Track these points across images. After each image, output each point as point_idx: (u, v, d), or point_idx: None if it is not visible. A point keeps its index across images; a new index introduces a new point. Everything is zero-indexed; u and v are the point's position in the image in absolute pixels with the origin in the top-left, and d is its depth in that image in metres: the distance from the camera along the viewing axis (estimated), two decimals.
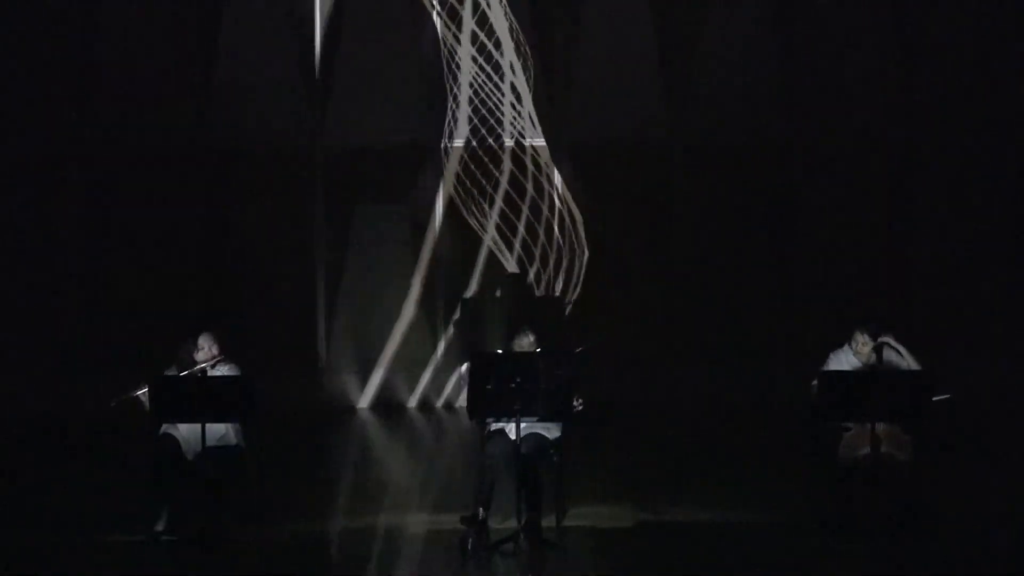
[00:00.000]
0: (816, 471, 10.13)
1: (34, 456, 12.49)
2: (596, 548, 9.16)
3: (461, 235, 14.88)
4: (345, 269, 14.90)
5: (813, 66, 14.75)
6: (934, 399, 9.10)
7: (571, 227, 14.70)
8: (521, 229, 14.86)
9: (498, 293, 14.77)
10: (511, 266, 14.84)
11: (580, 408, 9.24)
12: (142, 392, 9.30)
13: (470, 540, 9.13)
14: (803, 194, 14.78)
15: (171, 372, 9.50)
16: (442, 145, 14.87)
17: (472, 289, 14.85)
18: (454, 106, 14.84)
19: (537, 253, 14.82)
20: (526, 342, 9.56)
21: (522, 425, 9.27)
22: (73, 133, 14.61)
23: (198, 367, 9.45)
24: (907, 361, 9.53)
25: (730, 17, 14.72)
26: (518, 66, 14.79)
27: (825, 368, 9.56)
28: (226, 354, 9.59)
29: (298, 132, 14.78)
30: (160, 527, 9.27)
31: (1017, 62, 14.65)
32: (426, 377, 14.90)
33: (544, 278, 14.82)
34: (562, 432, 9.56)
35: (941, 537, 9.14)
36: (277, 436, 12.19)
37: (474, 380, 9.11)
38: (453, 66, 14.82)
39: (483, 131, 14.86)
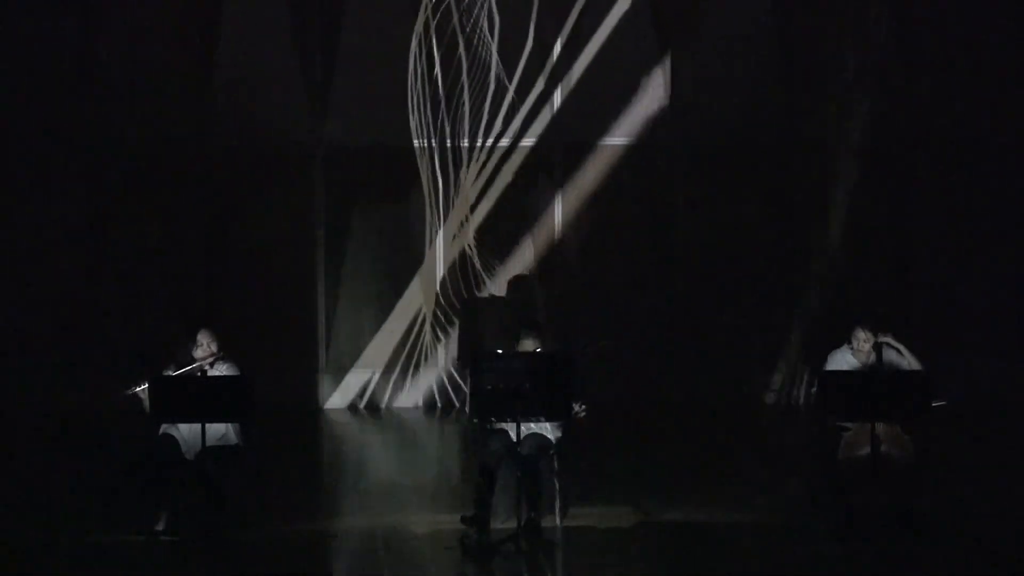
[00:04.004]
0: (816, 471, 10.12)
1: (34, 455, 12.49)
2: (596, 548, 9.16)
3: (461, 234, 14.88)
4: (345, 268, 14.89)
5: (813, 66, 14.74)
6: (934, 404, 9.09)
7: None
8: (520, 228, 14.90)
9: (491, 293, 14.79)
10: (514, 268, 14.84)
11: (583, 414, 9.24)
12: (141, 389, 9.30)
13: (470, 540, 9.14)
14: (803, 194, 14.77)
15: (170, 370, 9.49)
16: (439, 144, 14.87)
17: (474, 289, 14.85)
18: (455, 105, 14.85)
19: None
20: (529, 344, 9.57)
21: (522, 425, 9.28)
22: (73, 131, 14.60)
23: (196, 364, 9.45)
24: (907, 361, 9.53)
25: (730, 17, 14.71)
26: (516, 65, 14.80)
27: (824, 369, 9.57)
28: (225, 352, 9.59)
29: (298, 131, 14.78)
30: (160, 527, 9.27)
31: (1019, 60, 14.64)
32: (426, 377, 14.90)
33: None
34: (562, 433, 9.57)
35: (941, 537, 9.15)
36: (277, 436, 12.19)
37: (475, 380, 9.12)
38: (450, 64, 14.83)
39: (481, 130, 14.87)
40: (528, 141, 14.87)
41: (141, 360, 12.00)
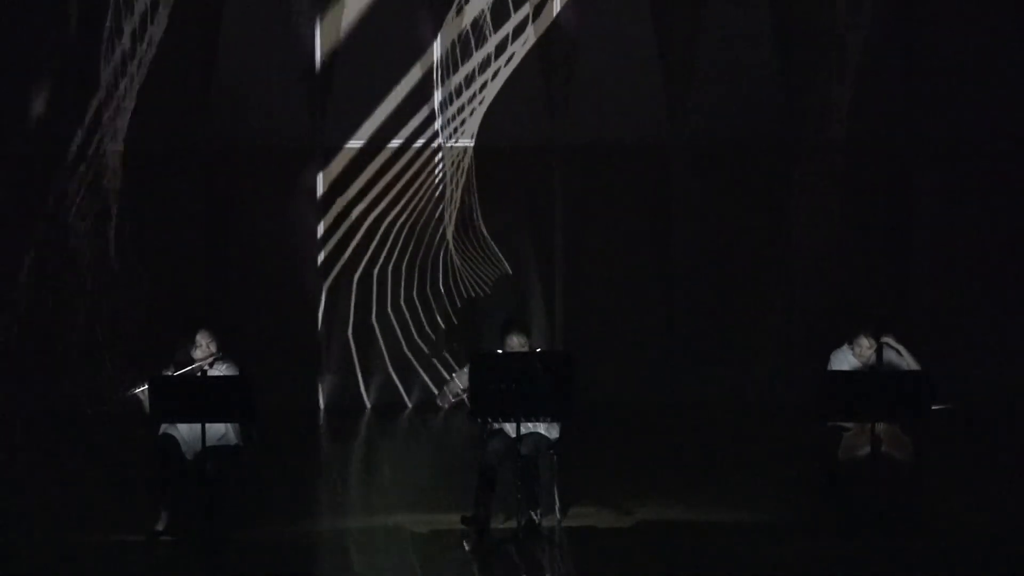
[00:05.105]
0: (816, 471, 10.12)
1: (34, 455, 12.48)
2: (596, 548, 9.16)
3: (461, 234, 14.88)
4: (345, 268, 14.89)
5: (813, 66, 14.72)
6: (934, 408, 9.09)
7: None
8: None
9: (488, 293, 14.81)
10: (505, 267, 14.84)
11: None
12: (142, 390, 9.30)
13: (470, 540, 9.14)
14: (803, 194, 14.76)
15: (169, 371, 9.49)
16: (440, 145, 14.87)
17: (471, 289, 14.85)
18: (454, 105, 14.85)
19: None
20: (517, 342, 9.56)
21: (522, 425, 9.28)
22: (73, 131, 14.59)
23: (196, 364, 9.45)
24: (907, 361, 9.54)
25: (730, 17, 14.69)
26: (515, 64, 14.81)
27: (825, 368, 9.58)
28: (224, 352, 9.59)
29: (298, 131, 14.77)
30: (160, 527, 9.28)
31: (1020, 60, 14.63)
32: (426, 377, 14.90)
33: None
34: (561, 432, 9.58)
35: (941, 537, 9.15)
36: (277, 436, 12.19)
37: (476, 380, 9.12)
38: (450, 65, 14.83)
39: (481, 131, 14.87)
40: (529, 141, 14.85)
41: (141, 361, 12.01)
